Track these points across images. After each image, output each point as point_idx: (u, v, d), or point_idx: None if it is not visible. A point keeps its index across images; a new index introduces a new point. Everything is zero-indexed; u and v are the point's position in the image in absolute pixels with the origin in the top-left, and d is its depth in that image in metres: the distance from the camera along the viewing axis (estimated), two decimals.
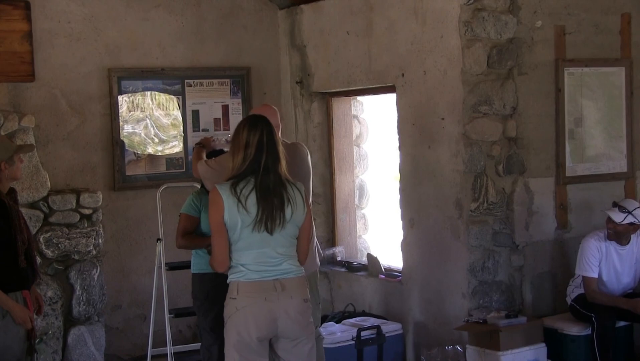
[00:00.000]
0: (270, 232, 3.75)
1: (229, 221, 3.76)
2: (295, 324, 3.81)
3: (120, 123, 6.65)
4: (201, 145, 5.02)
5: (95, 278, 6.23)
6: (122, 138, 6.63)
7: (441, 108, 5.70)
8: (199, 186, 5.13)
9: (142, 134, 6.75)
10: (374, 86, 6.46)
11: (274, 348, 3.87)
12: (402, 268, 6.18)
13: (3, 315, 4.05)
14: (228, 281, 3.84)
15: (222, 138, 5.14)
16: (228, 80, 7.07)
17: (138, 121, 6.76)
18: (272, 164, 3.79)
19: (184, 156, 6.88)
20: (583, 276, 5.46)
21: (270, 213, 3.75)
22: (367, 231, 7.24)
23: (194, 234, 4.91)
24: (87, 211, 6.21)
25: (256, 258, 3.78)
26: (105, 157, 6.67)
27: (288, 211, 3.80)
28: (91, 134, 6.63)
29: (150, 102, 6.76)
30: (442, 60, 5.67)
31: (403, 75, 6.02)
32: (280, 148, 3.85)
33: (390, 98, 6.30)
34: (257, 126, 3.81)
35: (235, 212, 3.73)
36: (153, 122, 6.79)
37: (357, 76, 6.52)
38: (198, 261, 4.93)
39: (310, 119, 7.10)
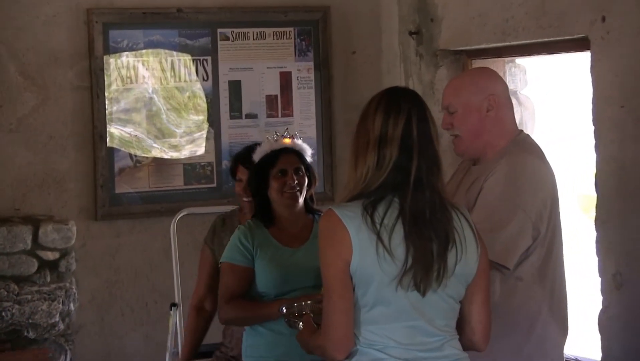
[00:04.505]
0: (423, 292, 3.44)
1: (360, 272, 3.40)
2: None
3: (108, 103, 6.20)
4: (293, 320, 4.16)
5: None
6: (109, 130, 6.29)
7: None
8: (247, 215, 4.95)
9: (144, 124, 6.35)
10: (548, 40, 5.83)
11: None
12: (601, 357, 5.57)
13: None
14: None
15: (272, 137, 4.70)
16: (291, 30, 6.58)
17: (137, 99, 6.32)
18: (428, 174, 3.46)
19: (214, 160, 6.42)
20: None
21: (425, 259, 3.44)
22: None
23: (246, 297, 4.64)
24: (50, 255, 5.92)
25: (404, 336, 3.44)
26: (81, 163, 6.25)
27: (451, 257, 3.46)
28: (58, 122, 6.19)
29: (159, 67, 6.38)
30: None
31: (604, 20, 5.43)
32: (439, 148, 3.61)
33: (580, 61, 5.75)
34: (399, 107, 3.43)
35: (372, 256, 3.40)
36: (162, 103, 6.38)
37: (519, 23, 5.94)
38: (254, 343, 4.65)
39: (434, 96, 6.57)
